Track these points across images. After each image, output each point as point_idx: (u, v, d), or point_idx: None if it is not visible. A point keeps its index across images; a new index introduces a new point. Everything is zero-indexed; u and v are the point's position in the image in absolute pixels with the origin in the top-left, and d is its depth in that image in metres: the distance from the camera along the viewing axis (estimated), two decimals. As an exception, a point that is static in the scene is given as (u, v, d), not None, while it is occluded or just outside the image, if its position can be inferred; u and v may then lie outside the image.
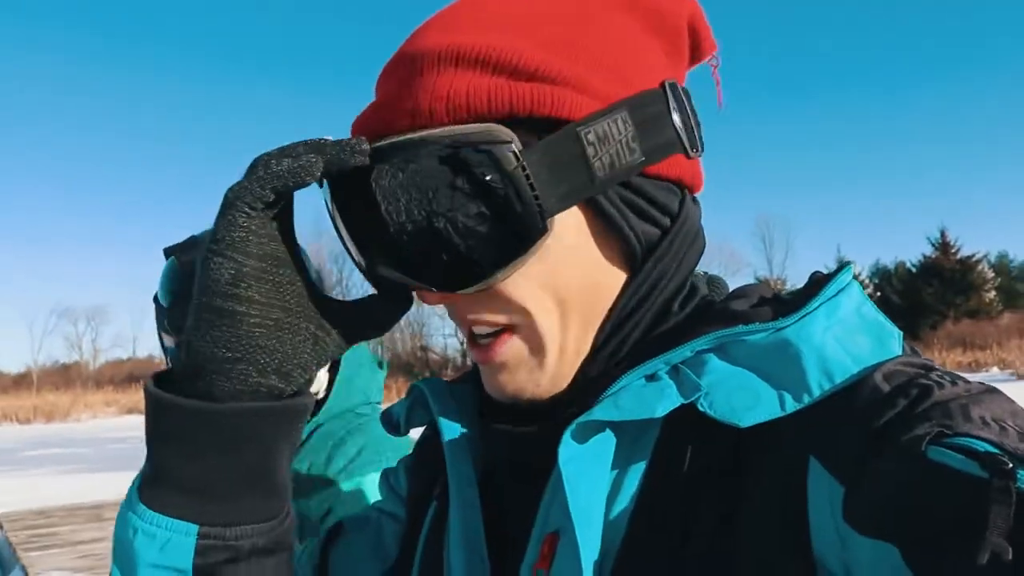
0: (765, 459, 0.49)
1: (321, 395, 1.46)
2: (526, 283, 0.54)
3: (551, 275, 0.54)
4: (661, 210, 0.57)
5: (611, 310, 0.57)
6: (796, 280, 40.97)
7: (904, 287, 39.21)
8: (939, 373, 0.48)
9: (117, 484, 10.83)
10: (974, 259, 36.59)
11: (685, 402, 0.50)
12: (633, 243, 0.56)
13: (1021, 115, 63.19)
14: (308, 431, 1.45)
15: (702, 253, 0.61)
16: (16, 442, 22.16)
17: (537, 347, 0.56)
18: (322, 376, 1.45)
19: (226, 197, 0.52)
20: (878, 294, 40.53)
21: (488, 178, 0.50)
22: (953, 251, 36.84)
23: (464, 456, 0.62)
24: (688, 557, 0.49)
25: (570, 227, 0.54)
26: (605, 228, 0.55)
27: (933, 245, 37.78)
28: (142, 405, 0.56)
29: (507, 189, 0.50)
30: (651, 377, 0.53)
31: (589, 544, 0.50)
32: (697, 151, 0.58)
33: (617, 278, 0.57)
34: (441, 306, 0.58)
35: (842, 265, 0.55)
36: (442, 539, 0.63)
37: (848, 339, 0.51)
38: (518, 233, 0.51)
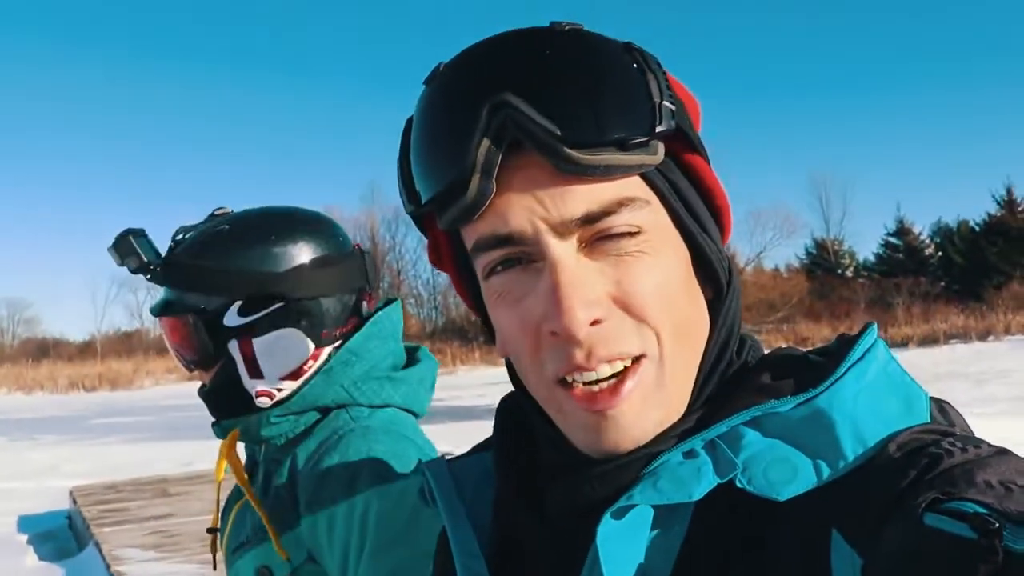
0: (791, 532, 0.50)
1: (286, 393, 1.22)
2: (658, 299, 0.54)
3: (672, 297, 0.55)
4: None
5: (705, 351, 0.58)
6: (854, 240, 39.80)
7: (967, 246, 37.89)
8: (952, 440, 0.49)
9: (179, 454, 11.29)
10: (1042, 216, 35.07)
11: (722, 481, 0.52)
12: (721, 282, 0.60)
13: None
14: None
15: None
16: (85, 410, 23.15)
17: (661, 378, 0.55)
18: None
19: None
20: (939, 254, 39.27)
21: (635, 66, 0.54)
22: (1020, 208, 35.36)
23: (468, 534, 0.64)
24: None
25: (681, 261, 0.57)
26: (698, 267, 0.59)
27: (998, 202, 36.33)
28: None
29: (649, 79, 0.54)
30: (688, 453, 0.54)
31: None
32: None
33: (705, 321, 0.59)
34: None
35: (865, 326, 0.57)
36: None
37: (877, 403, 0.53)
38: (643, 115, 0.53)
